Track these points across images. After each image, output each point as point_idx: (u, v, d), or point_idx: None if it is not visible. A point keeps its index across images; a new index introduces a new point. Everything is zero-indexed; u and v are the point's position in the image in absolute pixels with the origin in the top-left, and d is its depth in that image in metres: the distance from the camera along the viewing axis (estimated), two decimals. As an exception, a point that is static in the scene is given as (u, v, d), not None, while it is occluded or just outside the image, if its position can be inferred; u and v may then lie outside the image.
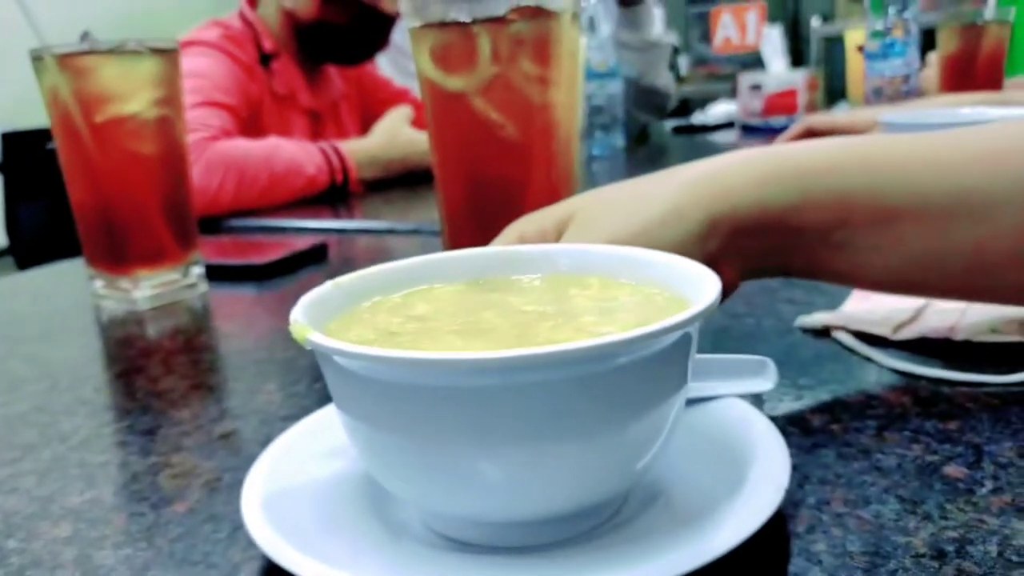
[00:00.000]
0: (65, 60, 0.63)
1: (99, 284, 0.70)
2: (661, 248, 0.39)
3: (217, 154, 1.09)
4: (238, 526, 0.32)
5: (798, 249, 0.41)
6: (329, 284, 0.32)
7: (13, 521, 0.35)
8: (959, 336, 0.45)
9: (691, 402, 0.32)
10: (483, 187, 0.51)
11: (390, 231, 0.95)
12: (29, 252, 2.58)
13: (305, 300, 0.31)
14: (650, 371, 0.26)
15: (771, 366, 0.36)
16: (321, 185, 1.19)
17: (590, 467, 0.26)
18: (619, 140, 1.57)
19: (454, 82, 0.51)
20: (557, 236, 0.42)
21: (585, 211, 0.42)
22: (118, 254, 0.68)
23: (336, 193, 1.21)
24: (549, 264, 0.35)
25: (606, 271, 0.34)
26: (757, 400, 0.39)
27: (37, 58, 0.64)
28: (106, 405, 0.48)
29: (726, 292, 0.41)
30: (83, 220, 0.69)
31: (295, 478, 0.32)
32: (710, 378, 0.35)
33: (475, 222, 0.52)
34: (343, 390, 0.28)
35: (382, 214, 1.12)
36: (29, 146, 2.35)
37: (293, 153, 1.15)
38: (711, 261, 0.40)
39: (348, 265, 0.80)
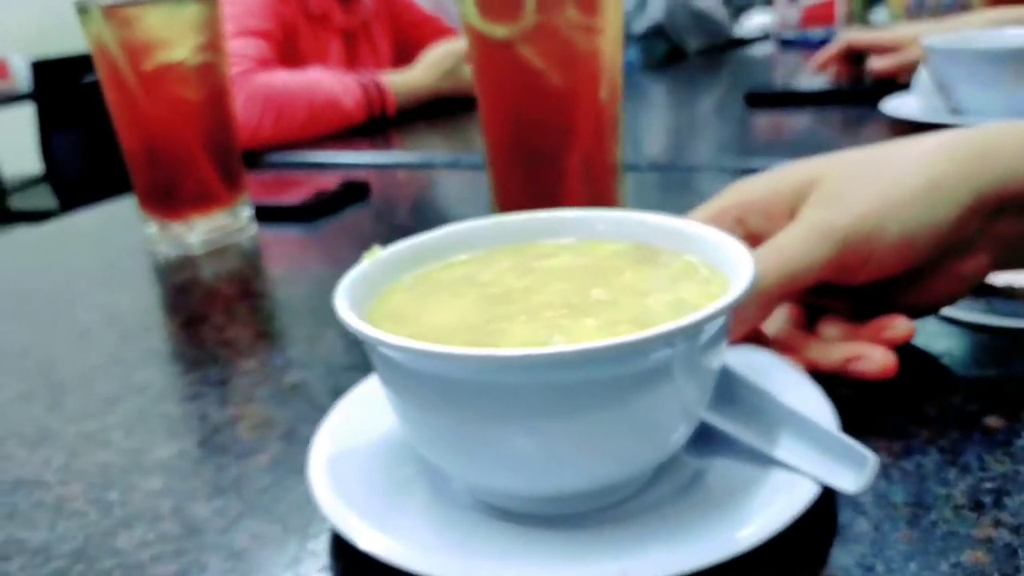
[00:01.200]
0: (110, 11, 0.64)
1: (153, 229, 0.72)
2: (918, 227, 0.35)
3: (256, 88, 1.09)
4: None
5: None
6: (419, 239, 0.36)
7: (110, 473, 0.38)
8: (1000, 281, 0.45)
9: (763, 459, 0.30)
10: (528, 135, 0.52)
11: (428, 164, 0.96)
12: (65, 180, 2.62)
13: (394, 250, 0.34)
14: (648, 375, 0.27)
15: (870, 466, 0.27)
16: (359, 120, 1.19)
17: (617, 448, 0.28)
18: (632, 56, 1.55)
19: (499, 30, 0.51)
20: (789, 204, 0.39)
21: (831, 179, 0.38)
22: (170, 200, 0.70)
23: (372, 123, 1.22)
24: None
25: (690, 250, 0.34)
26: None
27: (83, 10, 0.65)
28: (176, 355, 0.51)
29: (970, 281, 0.38)
30: (135, 167, 0.71)
31: (355, 444, 0.34)
32: (797, 441, 0.30)
33: (521, 169, 0.53)
34: (380, 367, 0.30)
35: (419, 145, 1.13)
36: (61, 75, 2.36)
37: (332, 87, 1.16)
38: (965, 245, 0.37)
39: (390, 202, 0.82)
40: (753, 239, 0.40)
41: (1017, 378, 0.38)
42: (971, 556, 0.27)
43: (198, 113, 0.70)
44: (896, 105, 0.89)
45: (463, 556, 0.27)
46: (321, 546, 0.31)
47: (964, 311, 0.43)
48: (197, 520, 0.34)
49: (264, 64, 1.15)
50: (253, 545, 0.32)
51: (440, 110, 1.27)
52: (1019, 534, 0.28)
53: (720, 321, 0.28)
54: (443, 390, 0.27)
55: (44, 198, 2.75)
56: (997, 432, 0.34)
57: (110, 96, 0.68)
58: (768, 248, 0.37)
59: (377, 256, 0.35)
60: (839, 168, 0.39)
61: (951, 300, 0.40)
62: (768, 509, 0.28)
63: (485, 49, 0.52)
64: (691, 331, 0.26)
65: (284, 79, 1.13)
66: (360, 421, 0.35)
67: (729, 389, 0.31)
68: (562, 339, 0.28)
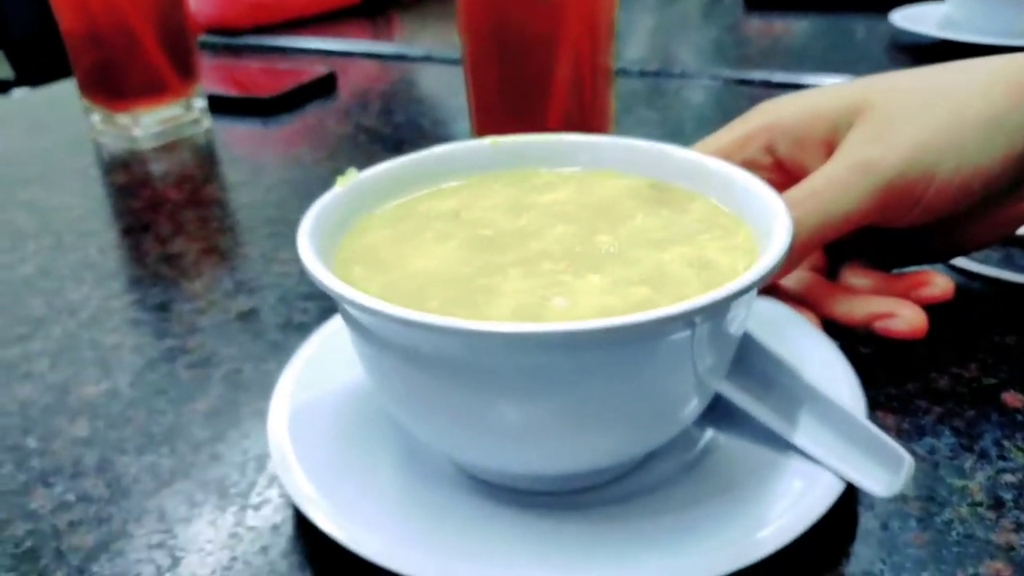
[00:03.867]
0: None
1: (96, 118, 0.66)
2: (975, 167, 0.31)
3: None
4: (261, 444, 0.31)
5: None
6: (390, 164, 0.31)
7: (30, 414, 0.34)
8: (1020, 230, 0.42)
9: (777, 438, 0.27)
10: (512, 48, 0.46)
11: (400, 57, 0.89)
12: (20, 46, 2.47)
13: (330, 198, 0.28)
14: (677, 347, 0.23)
15: (905, 469, 0.24)
16: None
17: (623, 427, 0.24)
18: None
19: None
20: (828, 132, 0.34)
21: (878, 110, 0.33)
22: (114, 88, 0.63)
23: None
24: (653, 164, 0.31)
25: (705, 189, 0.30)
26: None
27: None
28: (113, 271, 0.46)
29: (1008, 228, 0.35)
30: (75, 51, 0.63)
31: (319, 401, 0.30)
32: (819, 427, 0.26)
33: (501, 67, 0.48)
34: (350, 323, 0.26)
35: (391, 34, 1.05)
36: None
37: None
38: (1012, 189, 0.33)
39: (358, 98, 0.76)
40: (783, 168, 0.36)
41: (1037, 346, 0.34)
42: (991, 567, 0.24)
43: (144, -9, 0.62)
44: (909, 17, 0.83)
45: (432, 553, 0.24)
46: (262, 521, 0.28)
47: (981, 263, 0.40)
48: (124, 478, 0.30)
49: None
50: (186, 514, 0.28)
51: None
52: (1043, 541, 0.25)
53: (750, 293, 0.24)
54: (423, 359, 0.23)
55: (-1, 66, 2.60)
56: (1017, 412, 0.31)
57: (44, -32, 0.61)
58: (805, 190, 0.32)
59: (353, 180, 0.30)
60: (889, 95, 0.34)
61: (982, 246, 0.37)
62: (786, 509, 0.24)
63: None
64: (716, 308, 0.22)
65: None
66: (325, 371, 0.31)
67: (743, 354, 0.27)
68: (563, 301, 0.24)
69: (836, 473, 0.25)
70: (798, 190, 0.32)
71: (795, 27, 0.97)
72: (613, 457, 0.26)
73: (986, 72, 0.33)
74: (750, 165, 0.36)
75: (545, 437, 0.24)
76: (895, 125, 0.32)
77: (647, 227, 0.28)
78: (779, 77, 0.72)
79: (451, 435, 0.25)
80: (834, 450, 0.26)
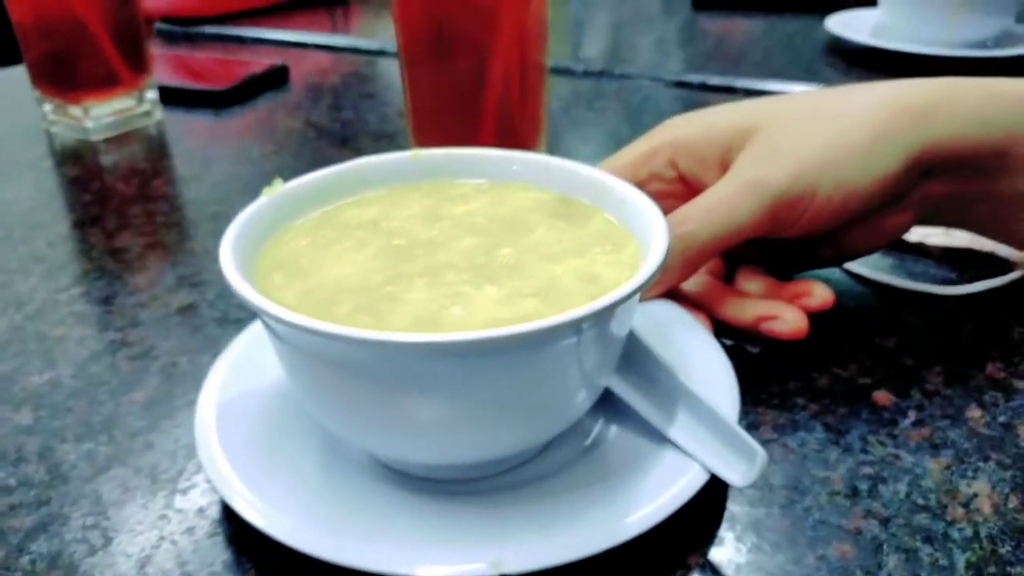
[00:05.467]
0: None
1: (48, 108, 0.67)
2: (855, 184, 0.34)
3: None
4: (192, 433, 0.33)
5: (989, 200, 0.36)
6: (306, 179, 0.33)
7: (-26, 403, 0.36)
8: (913, 237, 0.45)
9: (666, 440, 0.29)
10: (444, 46, 0.49)
11: (354, 49, 0.91)
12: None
13: (252, 211, 0.31)
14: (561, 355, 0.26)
15: (759, 462, 0.27)
16: None
17: (514, 423, 0.27)
18: None
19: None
20: (723, 150, 0.37)
21: (768, 131, 0.36)
22: (65, 80, 0.65)
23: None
24: (552, 178, 0.34)
25: (602, 205, 0.33)
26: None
27: None
28: (61, 265, 0.48)
29: (891, 236, 0.38)
30: (25, 42, 0.65)
31: (246, 392, 0.32)
32: (691, 422, 0.29)
33: (435, 64, 0.50)
34: (265, 327, 0.28)
35: (350, 26, 1.07)
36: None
37: None
38: (894, 202, 0.36)
39: (310, 92, 0.78)
40: (684, 181, 0.39)
41: (914, 348, 0.38)
42: (838, 549, 0.28)
43: (96, -16, 0.63)
44: (843, 23, 0.87)
45: (334, 535, 0.26)
46: (190, 504, 0.30)
47: (873, 269, 0.43)
48: (63, 465, 0.32)
49: None
50: (119, 497, 0.30)
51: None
52: (887, 527, 0.28)
53: (630, 301, 0.26)
54: (328, 362, 0.26)
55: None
56: (884, 410, 0.34)
57: (-5, -39, 0.62)
58: (700, 206, 0.35)
59: (278, 191, 0.32)
60: (778, 118, 0.37)
61: (867, 253, 0.40)
62: (656, 496, 0.27)
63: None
64: (592, 319, 0.24)
65: None
66: (255, 365, 0.34)
67: (631, 354, 0.30)
68: (460, 311, 0.27)
69: (702, 464, 0.28)
70: (693, 206, 0.35)
71: (739, 28, 1.00)
72: (510, 448, 0.29)
73: (868, 98, 0.36)
74: (655, 178, 0.39)
75: (444, 432, 0.27)
76: (781, 147, 0.35)
77: (546, 240, 0.31)
78: (715, 80, 0.74)
79: (358, 429, 0.28)
80: (702, 444, 0.28)
